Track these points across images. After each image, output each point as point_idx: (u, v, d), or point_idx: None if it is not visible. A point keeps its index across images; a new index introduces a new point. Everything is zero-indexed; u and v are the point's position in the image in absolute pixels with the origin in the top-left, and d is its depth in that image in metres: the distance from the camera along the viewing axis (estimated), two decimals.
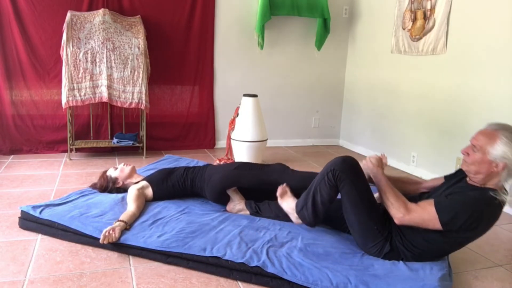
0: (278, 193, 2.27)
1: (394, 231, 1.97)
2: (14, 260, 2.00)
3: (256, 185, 2.45)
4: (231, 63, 4.59)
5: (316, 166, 4.03)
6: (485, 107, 3.19)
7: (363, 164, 2.10)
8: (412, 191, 2.19)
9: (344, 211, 2.04)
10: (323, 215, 2.10)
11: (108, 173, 2.74)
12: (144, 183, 2.60)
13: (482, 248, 2.40)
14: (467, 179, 1.94)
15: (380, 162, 2.10)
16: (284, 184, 2.29)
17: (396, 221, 1.90)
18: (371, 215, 1.97)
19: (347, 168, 1.98)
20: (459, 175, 2.04)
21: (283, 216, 2.37)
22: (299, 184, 2.31)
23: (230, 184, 2.47)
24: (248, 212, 2.48)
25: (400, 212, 1.87)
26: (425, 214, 1.83)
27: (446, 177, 2.14)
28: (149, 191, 2.58)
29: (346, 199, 2.00)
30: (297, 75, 4.88)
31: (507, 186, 1.83)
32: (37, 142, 4.04)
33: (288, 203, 2.22)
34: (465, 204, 1.80)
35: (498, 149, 1.77)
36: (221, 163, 3.31)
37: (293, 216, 2.19)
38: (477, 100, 3.27)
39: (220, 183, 2.46)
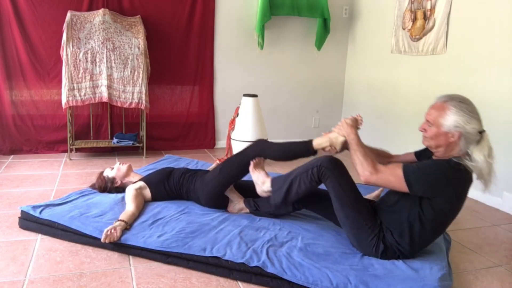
0: (251, 164, 2.35)
1: (384, 228, 1.99)
2: (14, 260, 2.00)
3: (246, 172, 2.46)
4: (231, 63, 4.59)
5: None
6: (485, 107, 3.15)
7: (337, 126, 2.16)
8: (383, 164, 2.20)
9: (335, 210, 2.07)
10: (291, 204, 2.22)
11: (104, 174, 2.73)
12: (142, 183, 2.59)
13: (482, 248, 2.41)
14: (433, 156, 2.00)
15: (355, 123, 2.16)
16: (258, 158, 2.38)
17: (362, 178, 1.93)
18: (359, 211, 1.99)
19: (333, 166, 2.02)
20: (428, 153, 2.09)
21: (283, 208, 2.37)
22: (280, 157, 2.39)
23: (224, 188, 2.47)
24: (248, 210, 2.48)
25: (367, 171, 1.91)
26: (392, 176, 1.87)
27: (416, 153, 2.22)
28: (147, 192, 2.57)
29: (333, 196, 2.03)
30: (297, 75, 4.88)
31: (472, 154, 1.85)
32: (37, 142, 4.04)
33: (259, 176, 2.31)
34: (431, 168, 1.85)
35: (449, 120, 1.83)
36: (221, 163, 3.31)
37: (259, 188, 2.29)
38: (477, 100, 3.21)
39: (215, 191, 2.46)
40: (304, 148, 2.25)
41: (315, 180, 2.04)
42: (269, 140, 2.60)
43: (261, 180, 2.30)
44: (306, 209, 2.41)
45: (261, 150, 2.40)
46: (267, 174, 2.32)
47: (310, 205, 2.35)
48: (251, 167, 2.37)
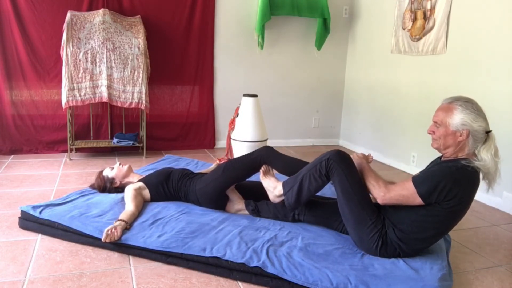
0: (261, 171, 2.39)
1: (386, 224, 1.99)
2: (14, 260, 2.00)
3: (249, 175, 2.48)
4: (231, 63, 4.59)
5: None
6: (484, 107, 3.17)
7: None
8: None
9: (339, 205, 2.08)
10: (304, 202, 2.21)
11: (104, 174, 2.73)
12: (141, 184, 2.58)
13: (482, 248, 2.41)
14: (443, 158, 2.02)
15: (366, 157, 2.22)
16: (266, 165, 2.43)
17: (379, 200, 1.99)
18: (364, 206, 2.00)
19: (341, 160, 2.05)
20: (434, 163, 2.10)
21: (281, 217, 2.38)
22: (284, 171, 2.43)
23: (225, 188, 2.47)
24: (247, 212, 2.48)
25: (381, 192, 1.97)
26: (404, 191, 1.92)
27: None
28: (147, 193, 2.56)
29: (339, 189, 2.04)
30: (297, 75, 4.88)
31: (480, 153, 1.88)
32: (37, 142, 4.04)
33: (269, 182, 2.33)
34: (439, 175, 1.87)
35: (456, 118, 1.88)
36: (221, 163, 3.30)
37: (272, 194, 2.30)
38: (476, 100, 3.26)
39: (215, 191, 2.46)
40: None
41: (324, 173, 2.06)
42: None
43: (272, 186, 2.30)
44: (304, 219, 2.39)
45: (268, 158, 2.44)
46: (277, 179, 2.32)
47: (308, 212, 2.35)
48: (261, 175, 2.38)
